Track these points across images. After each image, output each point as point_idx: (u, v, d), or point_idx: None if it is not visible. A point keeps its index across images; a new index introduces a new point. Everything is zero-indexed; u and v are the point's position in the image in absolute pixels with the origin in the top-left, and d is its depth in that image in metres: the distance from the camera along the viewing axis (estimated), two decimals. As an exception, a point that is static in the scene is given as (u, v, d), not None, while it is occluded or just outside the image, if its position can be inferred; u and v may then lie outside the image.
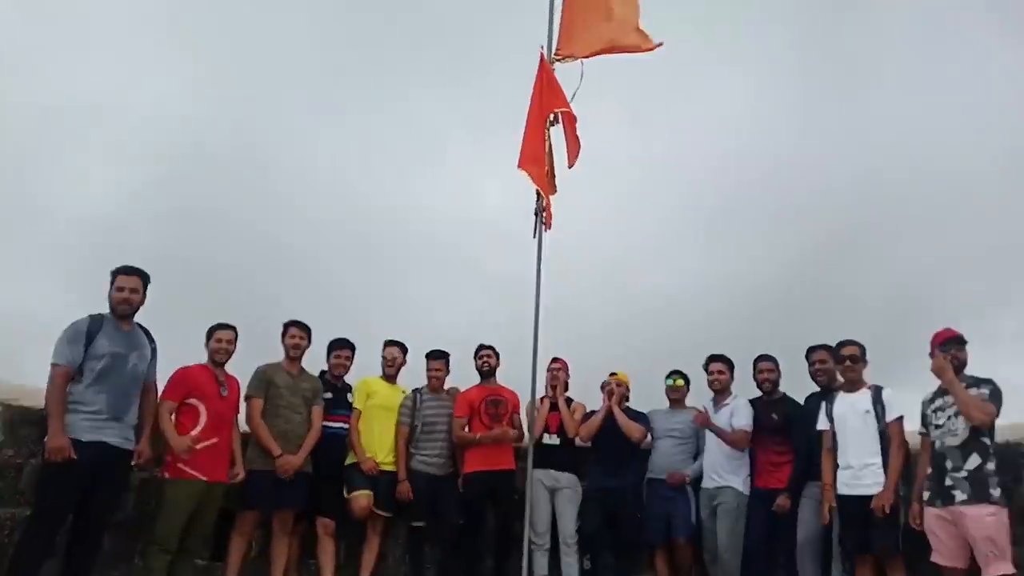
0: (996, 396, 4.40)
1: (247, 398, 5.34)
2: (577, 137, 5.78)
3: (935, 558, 4.46)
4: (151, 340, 4.71)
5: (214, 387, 5.03)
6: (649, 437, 6.14)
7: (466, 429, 6.16)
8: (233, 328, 5.22)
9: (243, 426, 5.38)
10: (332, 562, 5.64)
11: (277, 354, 5.67)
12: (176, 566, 4.77)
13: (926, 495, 4.55)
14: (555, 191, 5.90)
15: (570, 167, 5.83)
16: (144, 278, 4.62)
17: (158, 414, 4.83)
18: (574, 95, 5.75)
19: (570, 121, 5.75)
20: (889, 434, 4.88)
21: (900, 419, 4.90)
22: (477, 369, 6.39)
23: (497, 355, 6.42)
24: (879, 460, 4.87)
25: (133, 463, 4.60)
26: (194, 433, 4.87)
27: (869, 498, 4.79)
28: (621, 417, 6.09)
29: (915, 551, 4.67)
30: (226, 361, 5.19)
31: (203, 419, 4.92)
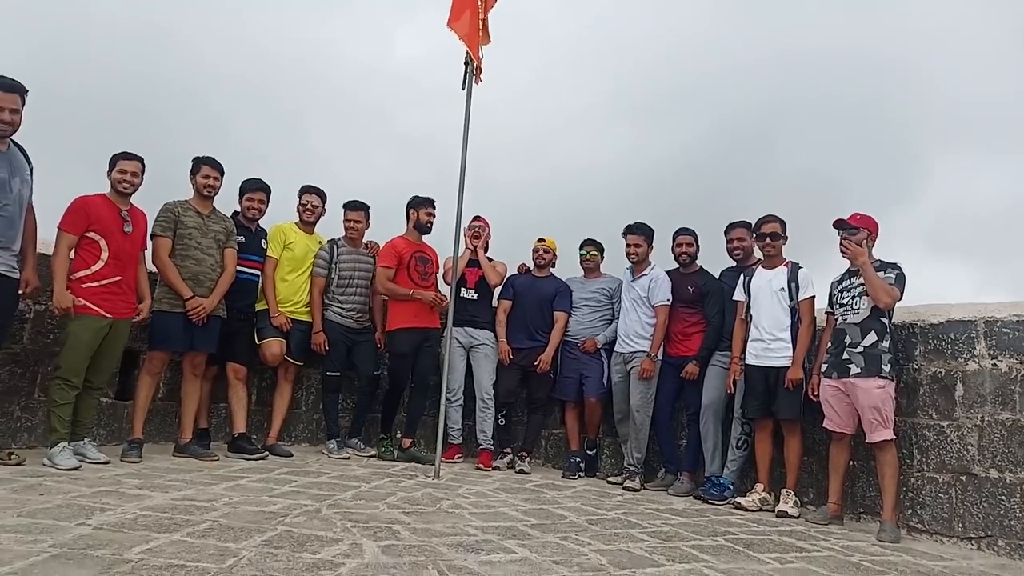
0: (901, 280, 4.58)
1: (152, 236, 5.00)
2: None
3: (826, 424, 4.75)
4: (29, 161, 4.28)
5: (117, 221, 4.65)
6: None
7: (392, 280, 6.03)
8: (139, 159, 4.76)
9: (150, 266, 5.09)
10: (243, 407, 5.59)
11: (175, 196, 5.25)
12: (81, 402, 4.60)
13: (824, 367, 4.78)
14: (488, 40, 5.59)
15: (485, 13, 5.51)
16: (21, 92, 4.12)
17: (54, 250, 4.50)
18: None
19: None
20: (800, 312, 5.05)
21: (811, 298, 5.06)
22: (417, 223, 6.17)
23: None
24: (788, 335, 5.05)
25: (20, 292, 4.31)
26: (94, 268, 4.56)
27: (775, 369, 5.00)
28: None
29: (809, 416, 4.96)
30: (131, 194, 4.77)
31: (105, 255, 4.58)
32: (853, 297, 4.68)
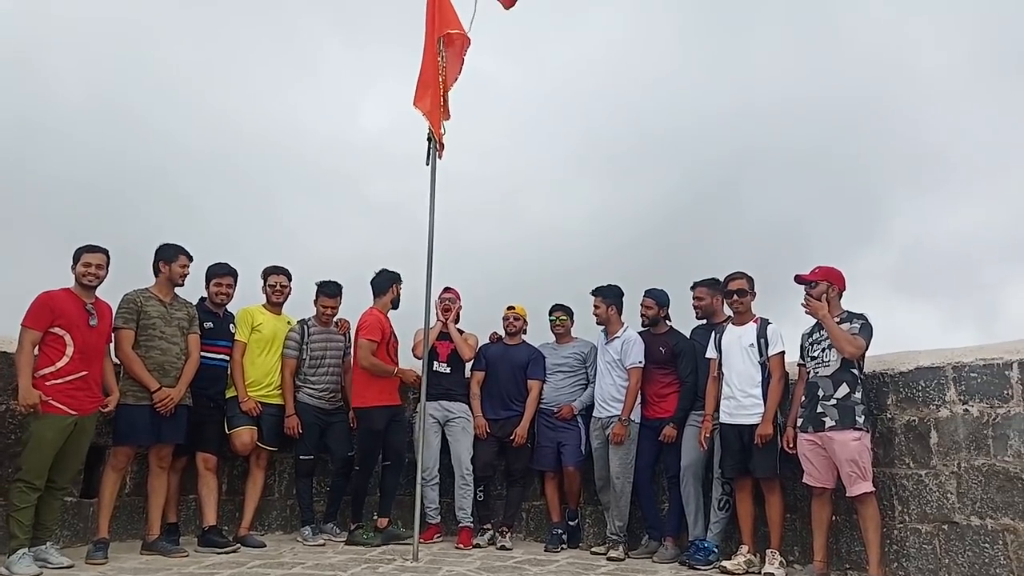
0: (866, 330, 4.64)
1: (115, 329, 4.91)
2: (462, 60, 5.61)
3: (806, 480, 4.73)
4: None
5: (82, 315, 4.57)
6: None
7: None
8: (104, 251, 4.71)
9: (114, 358, 4.99)
10: (214, 498, 5.42)
11: (139, 283, 5.21)
12: (43, 504, 4.44)
13: (800, 421, 4.78)
14: (448, 116, 5.70)
15: (445, 91, 5.64)
16: None
17: (18, 346, 4.41)
18: (471, 24, 5.58)
19: (460, 44, 5.58)
20: (770, 368, 5.07)
21: (781, 354, 5.09)
22: (393, 301, 6.09)
23: None
24: (759, 392, 5.05)
25: None
26: (59, 365, 4.45)
27: (749, 427, 4.99)
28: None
29: (788, 472, 4.94)
30: (95, 286, 4.70)
31: (70, 350, 4.47)
32: (823, 349, 4.72)
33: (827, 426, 4.56)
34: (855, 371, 4.60)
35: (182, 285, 5.24)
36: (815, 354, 4.78)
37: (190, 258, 5.25)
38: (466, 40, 5.60)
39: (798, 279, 4.84)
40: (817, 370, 4.73)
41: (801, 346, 4.97)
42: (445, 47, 5.57)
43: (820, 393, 4.65)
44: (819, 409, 4.62)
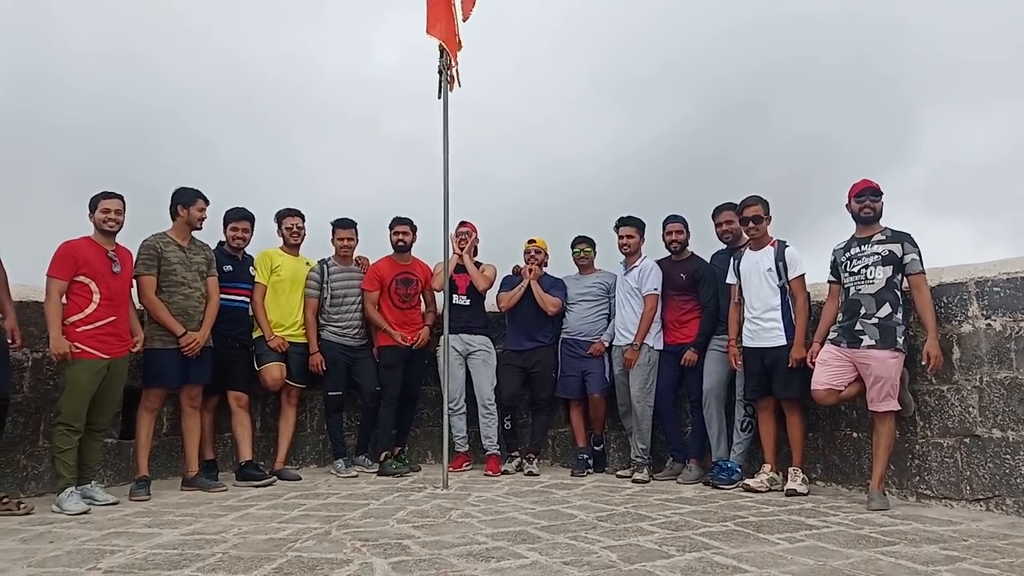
0: (921, 260, 4.44)
1: (137, 275, 4.98)
2: None
3: (814, 384, 4.64)
4: None
5: (105, 262, 4.65)
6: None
7: (377, 305, 6.08)
8: (119, 196, 4.75)
9: (137, 304, 5.09)
10: (248, 435, 5.60)
11: (159, 227, 5.24)
12: (85, 445, 4.63)
13: (833, 335, 4.66)
14: (461, 46, 5.60)
15: (465, 20, 5.53)
16: None
17: (46, 296, 4.51)
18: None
19: None
20: (792, 291, 5.04)
21: (801, 277, 5.04)
22: (392, 244, 6.23)
23: (414, 230, 6.26)
24: (779, 315, 5.03)
25: (9, 341, 4.32)
26: (88, 311, 4.56)
27: (769, 349, 4.99)
28: (539, 293, 6.16)
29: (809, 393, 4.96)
30: (116, 232, 4.75)
31: (96, 298, 4.58)
32: (866, 266, 4.55)
33: (864, 344, 4.45)
34: (898, 292, 4.45)
35: (200, 228, 5.28)
36: (855, 270, 4.59)
37: (207, 201, 5.27)
38: None
39: (852, 194, 4.64)
40: (860, 287, 4.55)
41: (834, 262, 4.78)
42: None
43: (861, 311, 4.50)
44: (858, 327, 4.49)
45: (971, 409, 4.36)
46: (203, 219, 5.25)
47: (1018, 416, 4.15)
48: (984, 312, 4.38)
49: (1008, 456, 4.16)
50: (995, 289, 4.34)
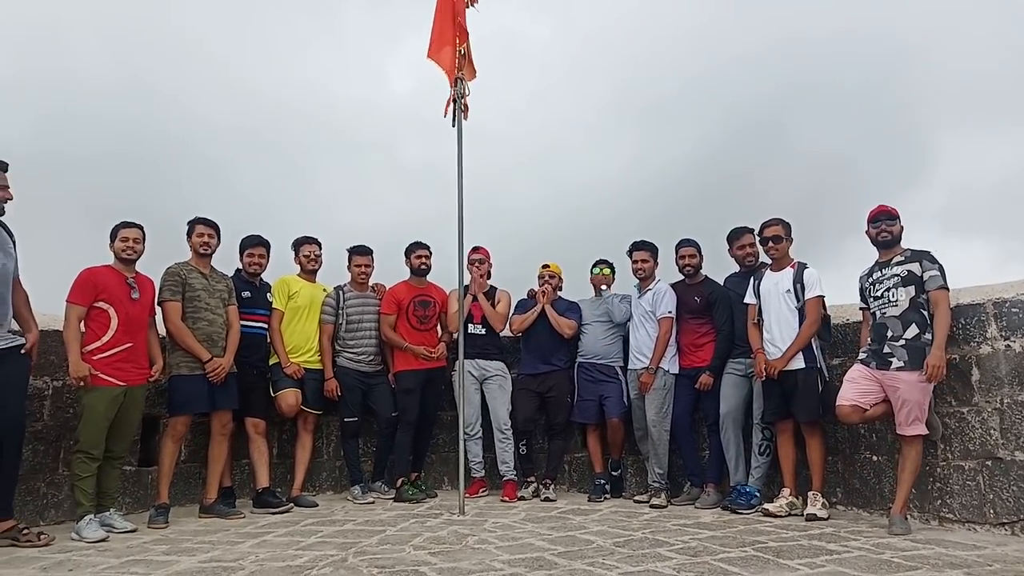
0: (943, 275, 4.43)
1: (162, 302, 5.07)
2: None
3: (840, 400, 4.59)
4: (11, 235, 4.32)
5: (124, 289, 4.74)
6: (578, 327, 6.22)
7: (394, 328, 6.11)
8: (139, 226, 4.87)
9: (161, 330, 5.16)
10: (265, 461, 5.61)
11: (179, 255, 5.35)
12: (104, 473, 4.67)
13: (863, 355, 4.64)
14: (475, 75, 5.67)
15: (462, 45, 5.58)
16: (4, 167, 4.22)
17: (65, 323, 4.58)
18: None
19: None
20: (805, 310, 5.02)
21: (818, 297, 5.01)
22: (411, 268, 6.28)
23: (431, 254, 6.31)
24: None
25: (26, 351, 4.34)
26: (105, 339, 4.64)
27: (790, 372, 4.97)
28: (553, 315, 6.18)
29: (829, 416, 4.91)
30: (135, 260, 4.85)
31: (114, 323, 4.65)
32: (888, 289, 4.54)
33: (893, 366, 4.42)
34: (924, 312, 4.43)
35: (206, 254, 5.32)
36: (878, 294, 4.59)
37: (211, 226, 5.32)
38: None
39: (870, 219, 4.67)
40: (884, 310, 4.54)
41: (861, 288, 4.80)
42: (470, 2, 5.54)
43: (888, 334, 4.48)
44: (887, 349, 4.47)
45: (992, 431, 4.30)
46: (204, 244, 5.28)
47: (1041, 438, 4.09)
48: (1003, 333, 4.34)
49: (1032, 479, 4.10)
50: (1014, 310, 4.31)
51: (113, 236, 4.81)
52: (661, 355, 5.72)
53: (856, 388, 4.56)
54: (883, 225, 4.62)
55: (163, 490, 5.01)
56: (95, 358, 4.60)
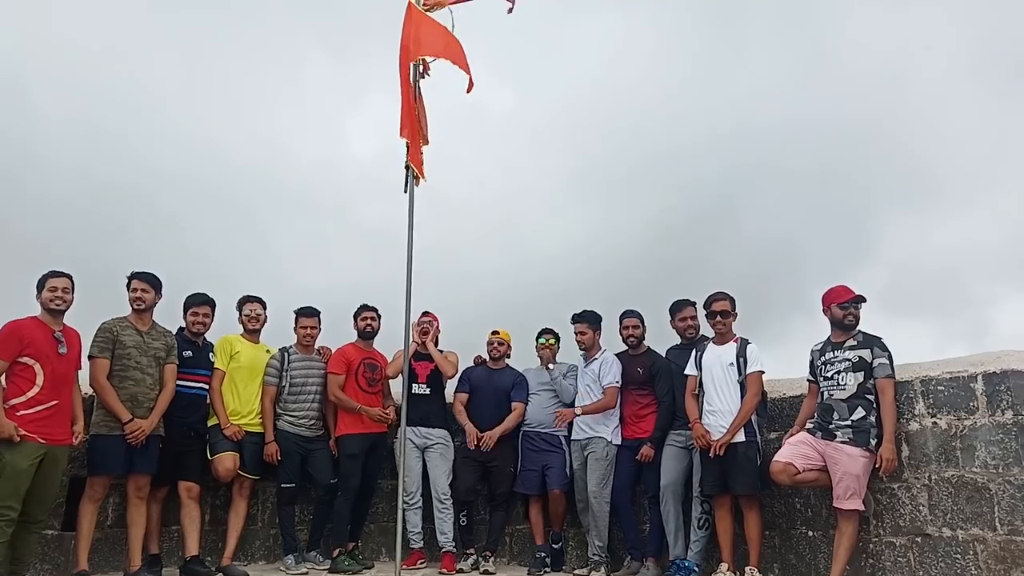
0: (891, 362, 4.58)
1: (91, 358, 4.93)
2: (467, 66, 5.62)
3: (775, 458, 4.67)
4: None
5: (51, 344, 4.56)
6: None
7: (342, 389, 6.03)
8: (68, 276, 4.70)
9: (85, 387, 5.01)
10: (197, 528, 5.42)
11: (124, 309, 5.25)
12: (18, 538, 4.42)
13: (809, 426, 4.74)
14: (427, 142, 5.78)
15: (468, 92, 5.57)
16: None
17: None
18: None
19: (455, 54, 5.61)
20: (747, 384, 5.11)
21: (759, 372, 5.12)
22: (358, 330, 6.24)
23: (379, 317, 6.30)
24: (738, 410, 5.09)
25: None
26: (30, 394, 4.45)
27: (729, 446, 4.99)
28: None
29: (767, 490, 4.97)
30: (63, 311, 4.67)
31: (40, 380, 4.47)
32: (839, 372, 4.66)
33: (838, 439, 4.53)
34: (871, 396, 4.55)
35: (139, 309, 5.19)
36: (828, 375, 4.71)
37: (146, 281, 5.20)
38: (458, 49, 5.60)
39: (829, 300, 4.81)
40: (832, 392, 4.66)
41: (812, 363, 4.92)
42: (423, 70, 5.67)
43: (835, 416, 4.60)
44: (832, 426, 4.58)
45: (921, 507, 4.38)
46: (138, 299, 5.15)
47: (966, 515, 4.17)
48: (930, 410, 4.46)
49: (959, 556, 4.16)
50: (939, 388, 4.44)
51: (40, 286, 4.64)
52: (594, 411, 5.76)
53: (794, 451, 4.64)
54: (851, 309, 4.76)
55: (82, 556, 4.81)
56: (18, 414, 4.40)
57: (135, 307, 5.19)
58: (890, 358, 4.59)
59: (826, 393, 4.71)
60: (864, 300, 4.77)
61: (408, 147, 5.61)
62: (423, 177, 5.70)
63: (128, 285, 5.22)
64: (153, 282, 5.25)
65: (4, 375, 4.45)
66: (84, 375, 4.99)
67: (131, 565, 5.06)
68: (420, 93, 5.67)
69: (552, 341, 6.31)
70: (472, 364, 6.54)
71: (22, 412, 4.43)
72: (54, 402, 4.55)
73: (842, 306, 4.77)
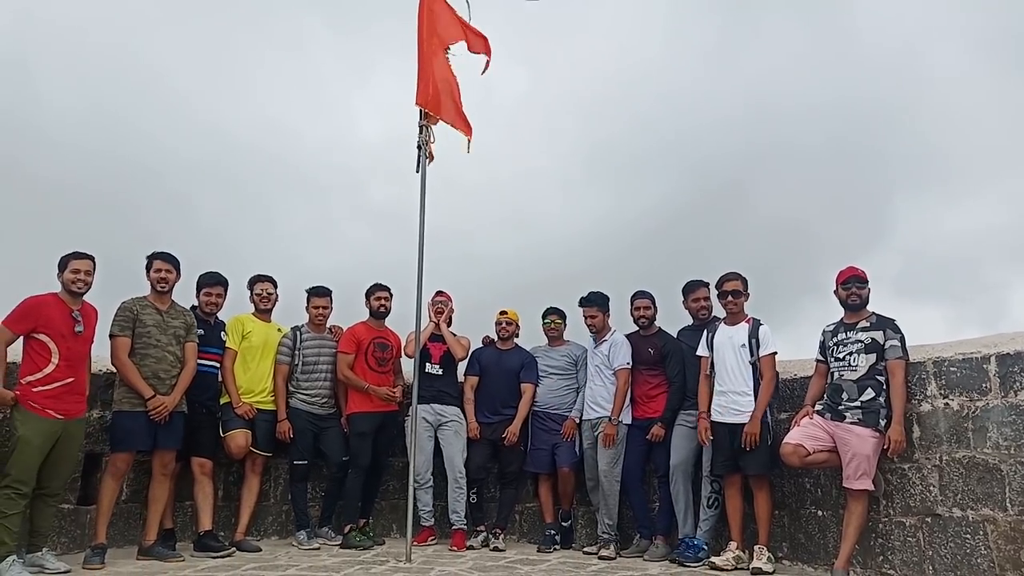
0: (903, 344, 4.56)
1: (112, 336, 4.99)
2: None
3: (785, 440, 4.68)
4: None
5: (68, 323, 4.60)
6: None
7: (352, 368, 6.06)
8: (90, 257, 4.75)
9: (101, 364, 5.05)
10: (210, 503, 5.47)
11: (141, 290, 5.28)
12: (36, 510, 4.50)
13: (818, 407, 4.74)
14: (437, 121, 5.77)
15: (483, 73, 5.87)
16: None
17: None
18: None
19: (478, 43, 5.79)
20: (761, 367, 5.11)
21: (772, 354, 5.11)
22: (370, 309, 6.26)
23: (391, 297, 6.30)
24: (750, 391, 5.09)
25: None
26: (46, 371, 4.49)
27: (739, 425, 5.01)
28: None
29: (777, 470, 4.99)
30: (83, 293, 4.73)
31: (55, 358, 4.52)
32: (851, 353, 4.65)
33: (848, 420, 4.53)
34: (881, 378, 4.54)
35: (163, 291, 5.24)
36: (840, 356, 4.70)
37: (168, 261, 5.26)
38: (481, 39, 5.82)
39: (839, 281, 4.78)
40: (843, 373, 4.65)
41: (822, 343, 4.90)
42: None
43: (844, 396, 4.60)
44: (841, 407, 4.59)
45: (932, 488, 4.38)
46: (161, 279, 5.20)
47: (976, 495, 4.18)
48: (942, 391, 4.45)
49: (968, 536, 4.17)
50: (952, 369, 4.43)
51: (63, 266, 4.68)
52: (621, 407, 5.75)
53: (804, 432, 4.64)
54: (853, 288, 4.74)
55: (101, 530, 4.87)
56: (34, 390, 4.47)
57: (158, 288, 5.23)
58: (902, 340, 4.57)
59: (837, 373, 4.71)
60: (866, 281, 4.74)
61: (422, 127, 5.64)
62: (469, 136, 5.78)
63: (149, 266, 5.25)
64: (174, 263, 5.31)
65: (21, 352, 4.48)
66: (97, 352, 5.02)
67: (147, 539, 5.13)
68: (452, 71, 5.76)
69: (559, 321, 6.32)
70: (481, 344, 6.56)
71: (39, 388, 4.49)
72: (70, 379, 4.60)
73: (844, 285, 4.76)
